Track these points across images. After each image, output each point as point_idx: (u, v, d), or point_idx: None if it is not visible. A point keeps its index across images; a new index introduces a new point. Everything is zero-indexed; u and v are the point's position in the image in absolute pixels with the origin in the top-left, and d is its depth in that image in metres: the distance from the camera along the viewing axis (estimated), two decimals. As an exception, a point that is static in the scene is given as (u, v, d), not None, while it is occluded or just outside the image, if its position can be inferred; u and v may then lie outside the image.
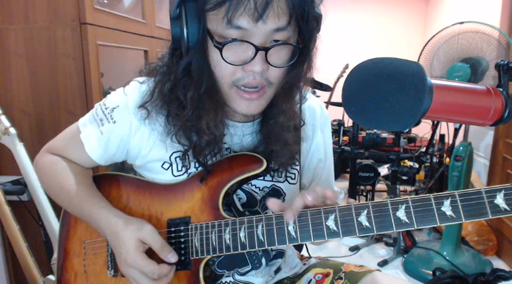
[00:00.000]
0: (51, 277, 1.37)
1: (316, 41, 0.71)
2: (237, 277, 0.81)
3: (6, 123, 1.36)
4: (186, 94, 0.70)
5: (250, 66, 0.65)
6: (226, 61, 0.65)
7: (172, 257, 0.69)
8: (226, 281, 0.80)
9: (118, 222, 0.70)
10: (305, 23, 0.66)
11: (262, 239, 0.66)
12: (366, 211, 0.60)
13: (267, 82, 0.69)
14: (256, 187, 0.81)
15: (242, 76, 0.67)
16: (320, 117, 0.89)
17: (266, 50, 0.64)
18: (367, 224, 0.60)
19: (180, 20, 0.65)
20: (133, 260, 0.66)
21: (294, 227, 0.64)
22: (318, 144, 0.89)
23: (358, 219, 0.61)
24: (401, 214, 0.58)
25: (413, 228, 0.58)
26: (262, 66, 0.65)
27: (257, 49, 0.63)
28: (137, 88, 0.78)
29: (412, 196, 0.59)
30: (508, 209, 0.52)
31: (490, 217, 0.53)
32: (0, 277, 1.56)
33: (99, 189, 0.81)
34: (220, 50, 0.64)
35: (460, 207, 0.55)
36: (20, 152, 1.36)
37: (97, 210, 0.74)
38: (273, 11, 0.61)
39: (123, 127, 0.77)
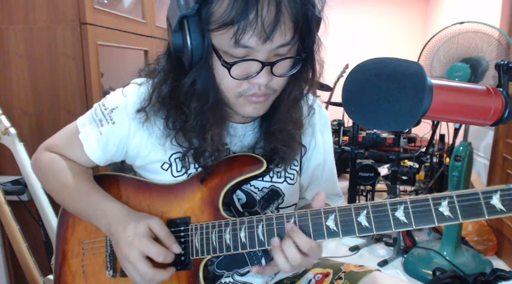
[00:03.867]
0: (51, 277, 1.37)
1: (318, 45, 0.71)
2: (237, 278, 0.81)
3: (6, 123, 1.36)
4: (189, 104, 0.71)
5: (256, 80, 0.66)
6: (233, 77, 0.65)
7: (176, 248, 0.69)
8: (225, 282, 0.80)
9: (128, 214, 0.72)
10: (308, 32, 0.67)
11: (262, 239, 0.66)
12: (365, 212, 0.61)
13: (271, 90, 0.70)
14: (255, 188, 0.81)
15: (248, 87, 0.68)
16: (319, 118, 0.89)
17: (272, 65, 0.65)
18: (367, 224, 0.61)
19: (182, 34, 0.64)
20: (140, 241, 0.66)
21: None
22: (316, 144, 0.88)
23: (358, 219, 0.61)
24: (400, 214, 0.59)
25: (411, 228, 0.59)
26: (267, 78, 0.66)
27: (263, 65, 0.64)
28: (135, 91, 0.78)
29: (410, 197, 0.60)
30: (504, 210, 0.54)
31: (487, 217, 0.54)
32: (0, 277, 1.56)
33: None
34: (229, 69, 0.64)
35: (457, 207, 0.56)
36: (20, 152, 1.36)
37: (106, 203, 0.74)
38: (280, 30, 0.61)
39: (122, 128, 0.77)
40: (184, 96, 0.71)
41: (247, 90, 0.68)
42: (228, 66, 0.64)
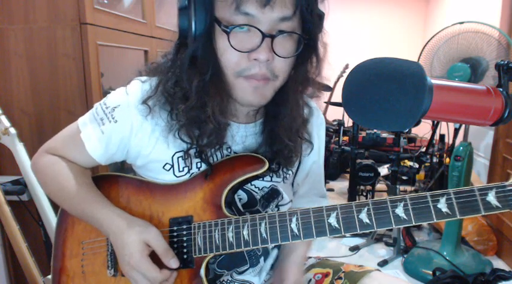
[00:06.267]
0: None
1: (321, 39, 0.72)
2: (235, 276, 0.81)
3: (6, 123, 1.36)
4: (191, 83, 0.70)
5: (256, 54, 0.66)
6: (233, 47, 0.65)
7: (174, 263, 0.69)
8: (224, 280, 0.81)
9: (122, 223, 0.70)
10: (309, 17, 0.68)
11: (265, 236, 0.67)
12: (366, 209, 0.63)
13: (271, 74, 0.69)
14: (255, 187, 0.81)
15: (248, 66, 0.67)
16: (316, 119, 0.90)
17: (272, 37, 0.65)
18: (368, 221, 0.62)
19: (188, 9, 0.67)
20: (136, 264, 0.66)
21: (296, 224, 0.66)
22: (313, 145, 0.89)
23: (359, 216, 0.63)
24: (399, 211, 0.61)
25: (411, 224, 0.60)
26: (267, 54, 0.66)
27: (264, 36, 0.64)
28: (139, 87, 0.78)
29: (410, 194, 0.61)
30: (500, 206, 0.56)
31: (483, 213, 0.56)
32: (0, 277, 1.56)
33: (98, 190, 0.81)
34: (228, 34, 0.65)
35: (454, 204, 0.58)
36: (20, 152, 1.36)
37: (99, 210, 0.74)
38: None
39: (124, 126, 0.77)
40: (187, 78, 0.70)
41: (247, 70, 0.68)
42: (227, 30, 0.65)
